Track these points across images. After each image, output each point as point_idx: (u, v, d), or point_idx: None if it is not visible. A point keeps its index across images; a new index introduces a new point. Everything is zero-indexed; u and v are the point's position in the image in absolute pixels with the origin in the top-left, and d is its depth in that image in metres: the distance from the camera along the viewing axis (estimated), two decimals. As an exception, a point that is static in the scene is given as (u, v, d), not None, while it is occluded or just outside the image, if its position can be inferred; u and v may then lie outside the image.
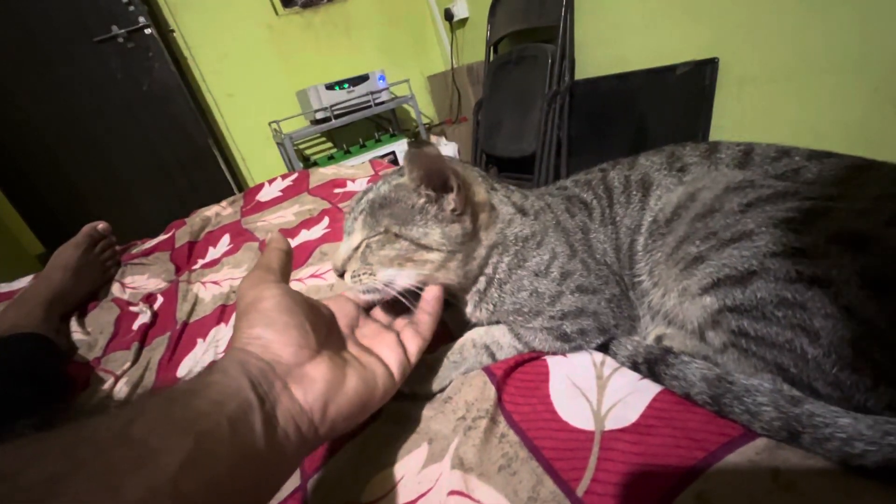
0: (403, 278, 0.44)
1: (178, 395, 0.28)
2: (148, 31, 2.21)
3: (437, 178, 0.43)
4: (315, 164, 2.70)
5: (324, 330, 0.38)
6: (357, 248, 0.45)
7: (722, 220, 0.39)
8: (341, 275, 0.46)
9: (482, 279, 0.47)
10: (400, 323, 0.46)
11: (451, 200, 0.44)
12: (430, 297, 0.45)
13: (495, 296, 0.47)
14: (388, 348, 0.41)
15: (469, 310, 0.50)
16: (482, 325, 0.51)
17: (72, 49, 2.15)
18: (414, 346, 0.42)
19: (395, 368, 0.39)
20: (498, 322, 0.50)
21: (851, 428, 0.29)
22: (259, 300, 0.35)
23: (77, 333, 0.88)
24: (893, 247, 0.31)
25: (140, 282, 1.07)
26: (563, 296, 0.45)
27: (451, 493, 0.35)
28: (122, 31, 2.17)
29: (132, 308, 0.92)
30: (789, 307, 0.33)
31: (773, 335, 0.34)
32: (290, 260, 0.43)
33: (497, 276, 0.47)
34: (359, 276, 0.45)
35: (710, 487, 0.29)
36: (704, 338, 0.40)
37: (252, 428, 0.28)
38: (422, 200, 0.44)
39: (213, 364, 0.32)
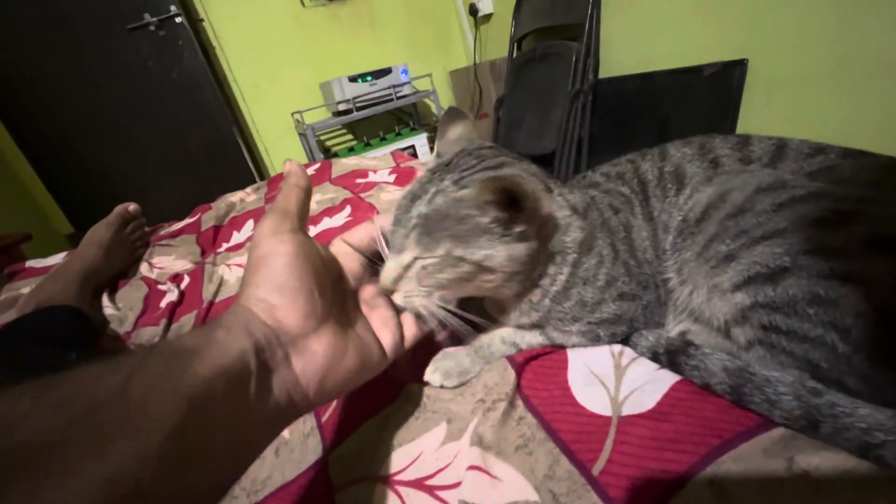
0: (459, 298, 0.42)
1: (180, 352, 0.27)
2: (178, 19, 2.26)
3: (509, 198, 0.37)
4: (335, 155, 2.73)
5: (331, 292, 0.36)
6: (408, 265, 0.40)
7: (753, 219, 0.39)
8: (390, 293, 0.42)
9: (537, 291, 0.44)
10: None
11: (521, 222, 0.39)
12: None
13: (547, 304, 0.45)
14: (385, 327, 0.40)
15: (514, 315, 0.47)
16: (521, 328, 0.49)
17: (106, 35, 2.21)
18: (411, 333, 0.42)
19: (389, 349, 0.39)
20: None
21: (872, 418, 0.29)
22: (272, 255, 0.33)
23: (108, 308, 0.92)
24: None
25: (167, 262, 1.10)
26: (605, 303, 0.44)
27: (470, 467, 0.37)
28: (154, 19, 2.23)
29: (160, 287, 0.96)
30: (821, 304, 0.33)
31: (805, 331, 0.34)
32: (309, 199, 0.40)
33: (553, 287, 0.44)
34: (412, 297, 0.41)
35: (724, 472, 0.30)
36: (730, 335, 0.40)
37: (246, 396, 0.28)
38: (487, 220, 0.38)
39: (218, 319, 0.31)
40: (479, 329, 0.48)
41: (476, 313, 0.44)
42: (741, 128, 1.59)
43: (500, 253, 0.39)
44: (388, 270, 0.41)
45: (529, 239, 0.40)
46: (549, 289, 0.44)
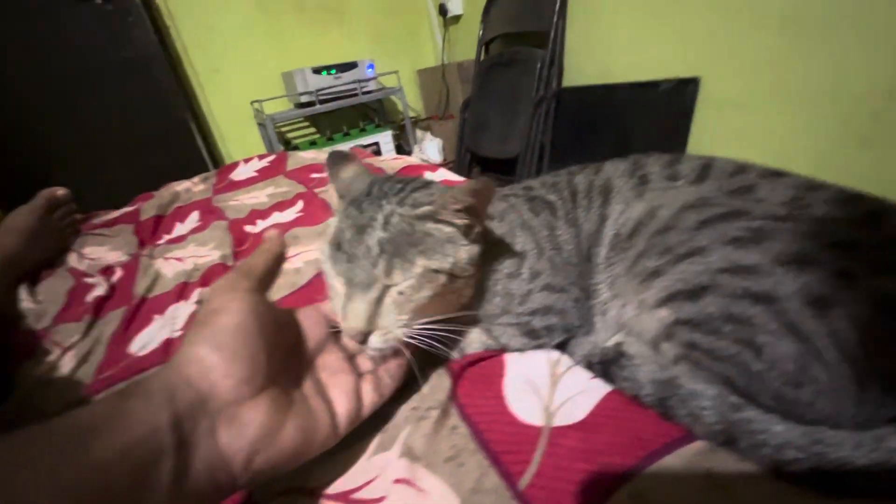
0: (430, 323, 0.40)
1: (76, 432, 0.24)
2: (129, -6, 2.12)
3: (479, 208, 0.41)
4: (296, 148, 2.64)
5: (282, 356, 0.35)
6: (379, 299, 0.38)
7: (677, 236, 0.40)
8: (364, 339, 0.38)
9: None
10: (365, 362, 0.42)
11: (478, 226, 0.42)
12: (396, 364, 0.42)
13: (476, 305, 0.46)
14: (344, 395, 0.37)
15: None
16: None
17: (48, 7, 2.04)
18: (370, 401, 0.39)
19: (343, 420, 0.36)
20: None
21: (784, 436, 0.30)
22: (220, 312, 0.32)
23: (25, 302, 0.84)
24: (833, 268, 0.32)
25: (100, 253, 1.02)
26: (532, 294, 0.46)
27: (397, 480, 0.35)
28: (102, -8, 2.08)
29: (88, 279, 0.89)
30: (736, 322, 0.34)
31: (722, 349, 0.35)
32: (280, 266, 0.39)
33: (483, 285, 0.46)
34: (393, 332, 0.38)
35: (646, 486, 0.30)
36: (659, 349, 0.41)
37: (158, 480, 0.25)
38: (449, 230, 0.41)
39: (139, 383, 0.28)
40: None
41: None
42: (693, 142, 1.66)
43: (463, 257, 0.41)
44: (357, 311, 0.37)
45: (480, 241, 0.43)
46: (480, 288, 0.46)
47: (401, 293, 0.38)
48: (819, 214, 0.36)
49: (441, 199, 0.39)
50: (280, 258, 0.39)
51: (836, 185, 0.39)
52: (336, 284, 0.40)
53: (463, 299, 0.44)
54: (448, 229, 0.40)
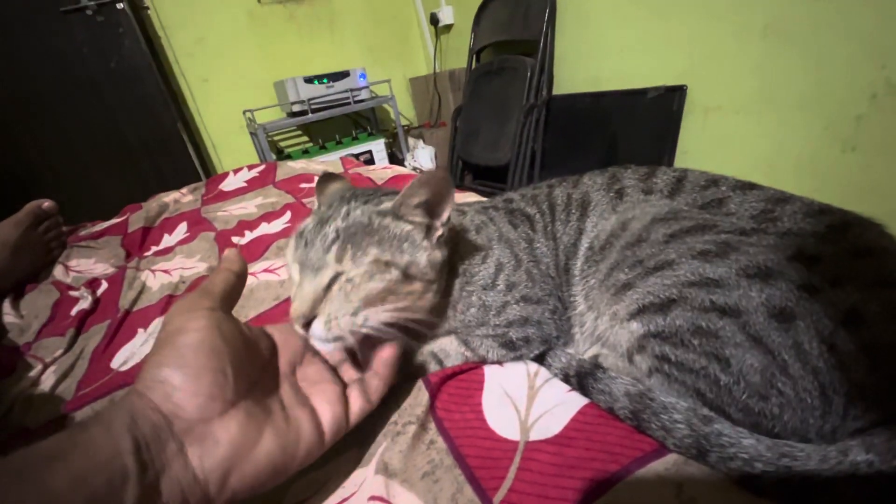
0: (382, 316, 0.39)
1: (30, 465, 0.23)
2: (120, 5, 2.12)
3: (436, 204, 0.42)
4: (289, 156, 2.65)
5: (254, 371, 0.34)
6: (328, 286, 0.38)
7: (648, 249, 0.41)
8: (308, 323, 0.37)
9: (445, 302, 0.46)
10: (349, 372, 0.41)
11: (439, 227, 0.42)
12: (386, 358, 0.41)
13: (449, 315, 0.47)
14: (327, 402, 0.36)
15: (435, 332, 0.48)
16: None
17: (36, 17, 2.04)
18: (357, 407, 0.38)
19: (329, 428, 0.35)
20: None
21: (753, 449, 0.30)
22: (181, 332, 0.31)
23: (9, 316, 0.83)
24: (796, 281, 0.33)
25: (86, 265, 1.02)
26: (509, 306, 0.46)
27: (372, 498, 0.35)
28: (92, 2, 2.08)
29: (72, 293, 0.88)
30: (704, 335, 0.35)
31: (691, 361, 0.35)
32: (241, 283, 0.39)
33: (451, 297, 0.46)
34: (337, 319, 0.37)
35: (618, 500, 0.30)
36: (633, 361, 0.41)
37: None
38: (408, 227, 0.41)
39: (102, 412, 0.28)
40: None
41: None
42: (680, 148, 1.68)
43: (421, 258, 0.41)
44: (304, 294, 0.38)
45: (443, 246, 0.43)
46: (452, 298, 0.46)
47: (349, 281, 0.38)
48: (786, 227, 0.37)
49: (400, 197, 0.41)
50: (241, 276, 0.39)
51: (806, 197, 0.40)
52: (293, 273, 0.41)
53: (424, 303, 0.43)
54: (407, 227, 0.41)
